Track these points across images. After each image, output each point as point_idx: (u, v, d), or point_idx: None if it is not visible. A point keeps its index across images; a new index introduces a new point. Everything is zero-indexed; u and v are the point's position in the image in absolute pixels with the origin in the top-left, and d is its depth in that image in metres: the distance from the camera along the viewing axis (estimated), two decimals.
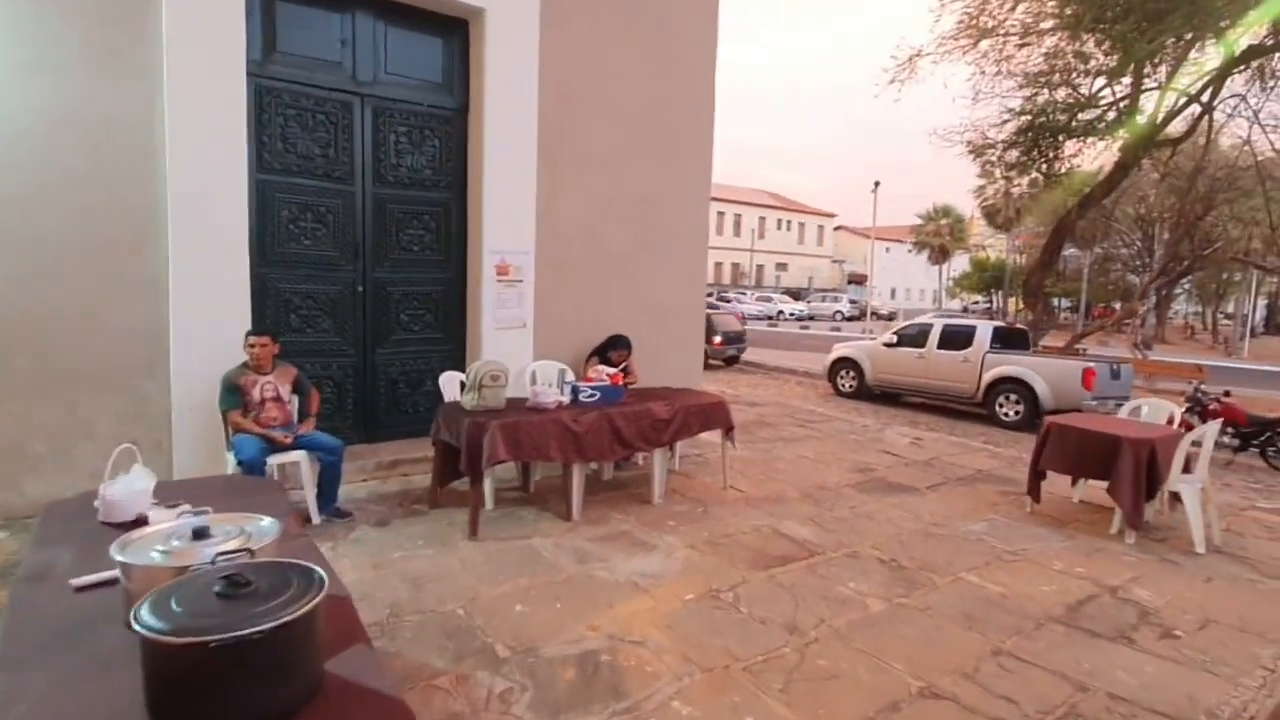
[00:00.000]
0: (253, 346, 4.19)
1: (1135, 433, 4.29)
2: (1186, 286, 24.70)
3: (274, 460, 4.13)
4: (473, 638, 2.98)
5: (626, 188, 6.19)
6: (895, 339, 11.25)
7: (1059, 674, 2.84)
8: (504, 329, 5.61)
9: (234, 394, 4.16)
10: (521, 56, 5.54)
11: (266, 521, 1.74)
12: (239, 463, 3.95)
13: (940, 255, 36.81)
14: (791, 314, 33.28)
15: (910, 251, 43.63)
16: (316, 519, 4.25)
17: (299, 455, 4.22)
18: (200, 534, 1.60)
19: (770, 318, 31.94)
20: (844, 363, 12.07)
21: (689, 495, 5.08)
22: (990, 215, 30.97)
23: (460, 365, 5.73)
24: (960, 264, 40.43)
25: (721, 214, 46.96)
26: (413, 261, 5.53)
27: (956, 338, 10.48)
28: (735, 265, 48.02)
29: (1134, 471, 4.09)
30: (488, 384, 4.32)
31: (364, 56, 5.18)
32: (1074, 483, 5.12)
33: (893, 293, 49.49)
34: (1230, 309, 26.20)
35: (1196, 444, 4.31)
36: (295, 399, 4.49)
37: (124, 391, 4.37)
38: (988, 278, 34.13)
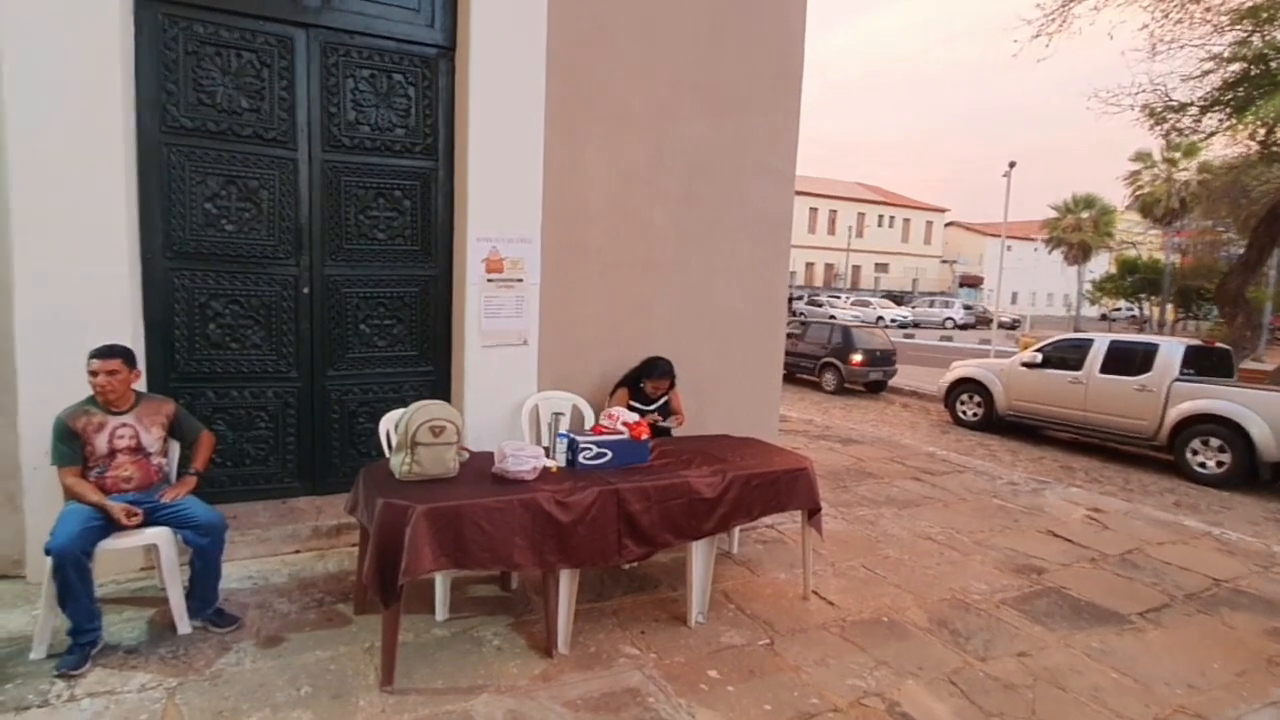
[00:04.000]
0: (95, 374, 2.82)
1: None
2: None
3: (113, 545, 2.74)
4: None
5: (674, 153, 4.48)
6: (1039, 357, 8.94)
7: None
8: (496, 346, 4.04)
9: (68, 443, 2.81)
10: None
11: None
12: (46, 552, 2.57)
13: (1080, 254, 31.84)
14: (893, 320, 30.20)
15: (1037, 250, 38.76)
16: (184, 627, 2.86)
17: (157, 536, 2.82)
18: None
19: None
20: (966, 385, 9.83)
21: (749, 609, 3.32)
22: (1146, 207, 26.43)
23: (443, 393, 4.24)
24: (1100, 265, 35.23)
25: (815, 210, 43.89)
26: (378, 253, 4.08)
27: (1129, 359, 8.07)
28: (829, 266, 44.86)
29: None
30: (425, 440, 2.75)
31: None
32: None
33: (1014, 297, 44.57)
34: None
35: None
36: (173, 447, 3.12)
37: None
38: (1136, 281, 29.31)
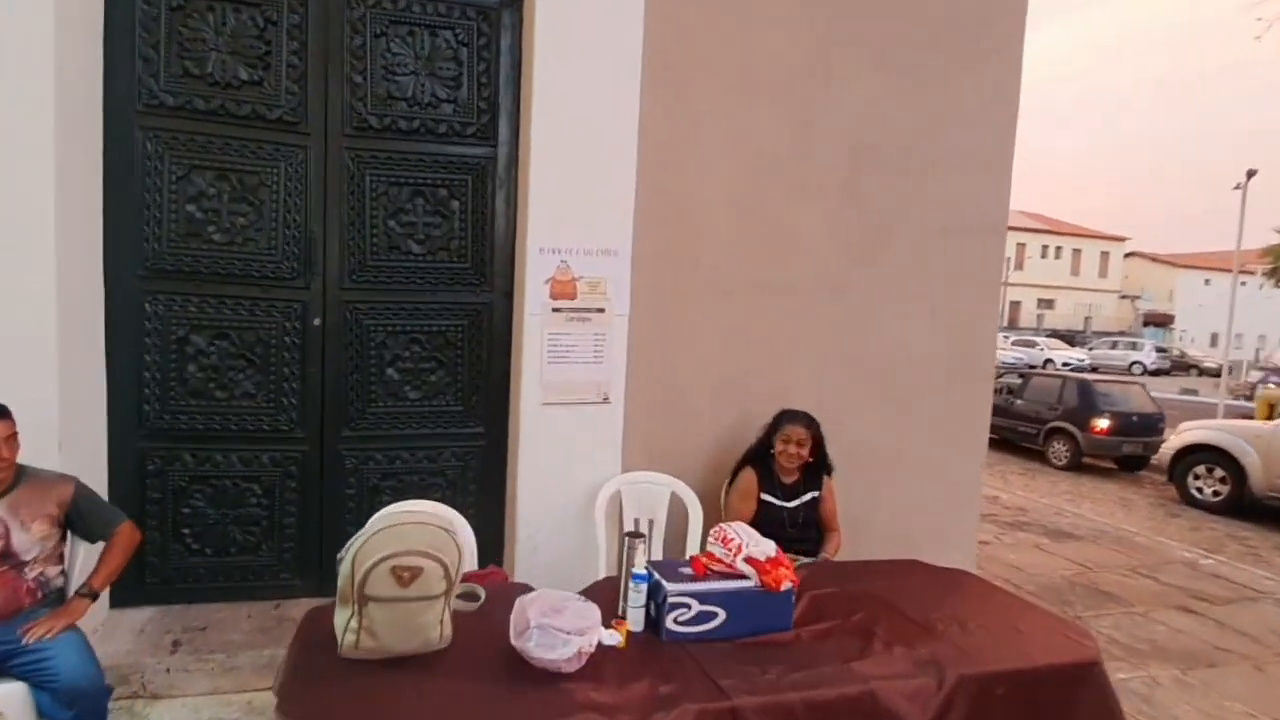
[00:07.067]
0: None
1: None
2: None
3: None
4: None
5: (829, 129, 3.09)
6: None
7: None
8: (561, 405, 2.80)
9: None
10: None
11: None
12: None
13: None
14: (1066, 364, 26.19)
15: (1245, 284, 32.71)
16: None
17: (4, 699, 1.78)
18: None
19: (1035, 369, 25.25)
20: (1202, 452, 7.40)
21: None
22: None
23: (498, 464, 3.07)
24: None
25: None
26: (414, 272, 3.00)
27: None
28: None
29: None
30: (383, 594, 1.52)
31: None
32: None
33: (1213, 339, 37.90)
34: None
35: None
36: (77, 548, 2.12)
37: None
38: None
